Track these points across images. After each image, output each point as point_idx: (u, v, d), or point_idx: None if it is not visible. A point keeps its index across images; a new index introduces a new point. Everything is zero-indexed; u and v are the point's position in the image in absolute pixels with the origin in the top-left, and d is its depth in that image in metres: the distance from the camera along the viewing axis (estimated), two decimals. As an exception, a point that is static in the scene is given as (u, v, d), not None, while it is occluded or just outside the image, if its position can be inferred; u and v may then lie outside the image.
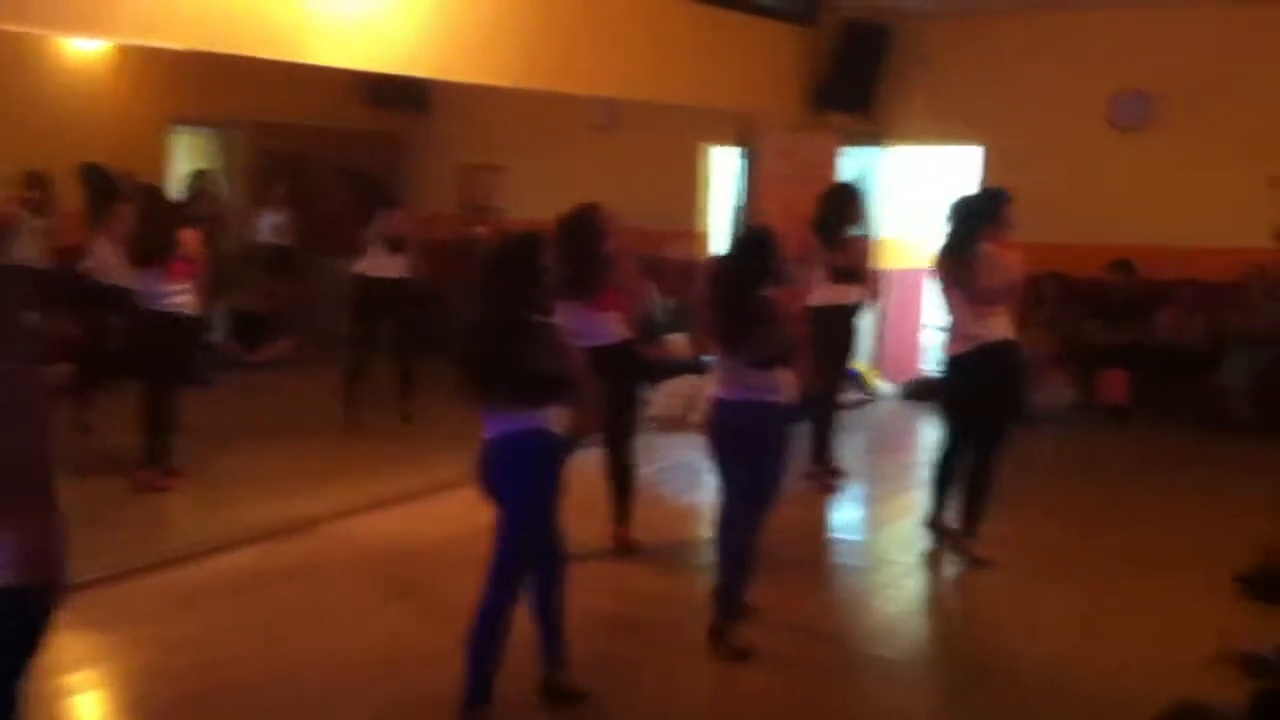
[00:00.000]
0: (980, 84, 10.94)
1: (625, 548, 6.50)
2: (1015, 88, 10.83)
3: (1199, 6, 10.00)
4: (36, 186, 10.11)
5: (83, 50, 10.53)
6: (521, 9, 7.71)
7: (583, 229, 6.07)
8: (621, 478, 6.52)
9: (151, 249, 7.23)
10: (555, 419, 4.42)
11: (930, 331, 11.76)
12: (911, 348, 11.79)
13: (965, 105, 10.98)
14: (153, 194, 7.63)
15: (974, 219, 6.38)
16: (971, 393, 6.47)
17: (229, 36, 6.10)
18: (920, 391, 11.05)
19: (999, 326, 6.32)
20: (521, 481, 4.43)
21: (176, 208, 7.88)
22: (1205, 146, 10.22)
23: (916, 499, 7.34)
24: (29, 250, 10.11)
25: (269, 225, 12.24)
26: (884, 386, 11.38)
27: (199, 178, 11.87)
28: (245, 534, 6.55)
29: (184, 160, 12.13)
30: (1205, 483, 8.55)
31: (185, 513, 7.25)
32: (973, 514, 6.53)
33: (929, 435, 10.32)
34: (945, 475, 6.68)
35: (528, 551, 4.53)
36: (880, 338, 11.60)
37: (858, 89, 10.80)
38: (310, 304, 12.32)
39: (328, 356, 10.05)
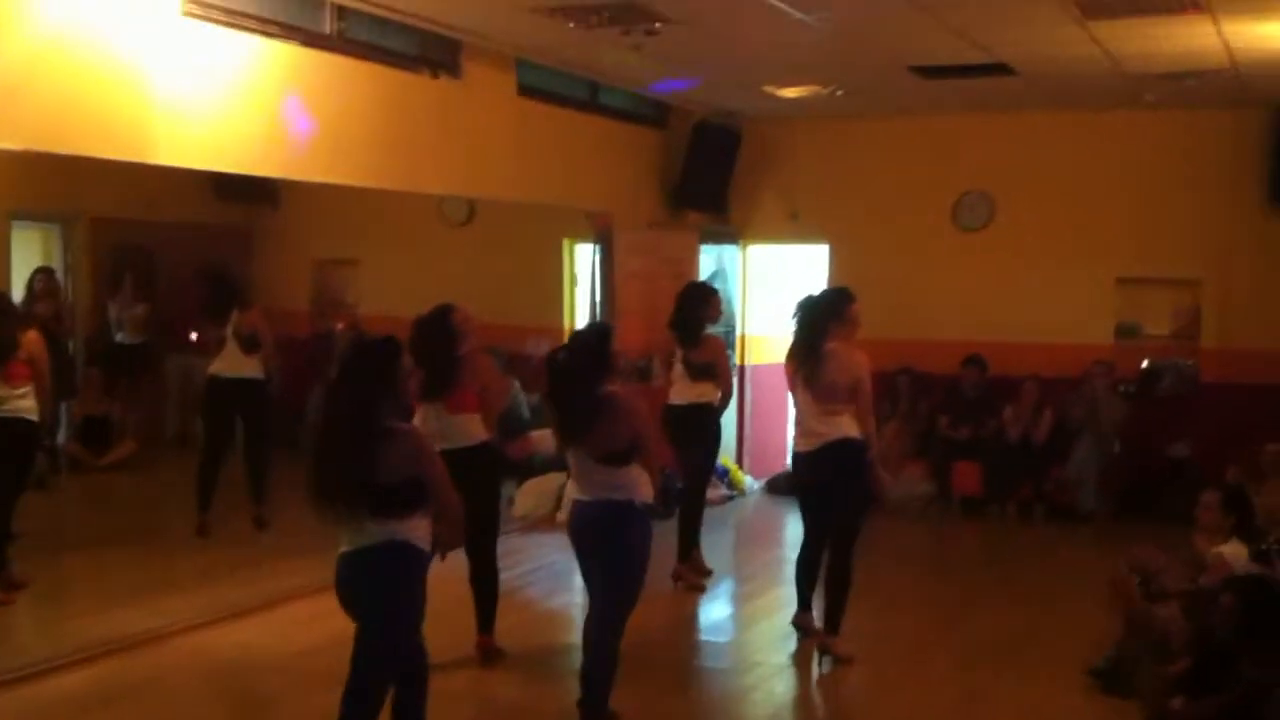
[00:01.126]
0: (827, 184, 11.23)
1: (489, 655, 6.33)
2: (862, 188, 11.15)
3: (1040, 111, 10.43)
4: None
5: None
6: (375, 109, 7.65)
7: (438, 331, 6.00)
8: (483, 582, 6.36)
9: None
10: (415, 530, 4.30)
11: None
12: (776, 442, 11.88)
13: (814, 205, 11.25)
14: None
15: (820, 318, 6.48)
16: (815, 490, 6.57)
17: (71, 137, 5.90)
18: (785, 486, 11.13)
19: (843, 424, 6.38)
20: (381, 597, 4.28)
21: (14, 307, 7.49)
22: (1047, 246, 10.62)
23: (784, 596, 7.32)
24: None
25: (115, 322, 11.84)
26: (749, 482, 11.41)
27: (40, 275, 11.44)
28: (87, 649, 6.22)
29: (24, 256, 11.67)
30: (1055, 572, 8.74)
31: (23, 627, 6.90)
32: (834, 611, 6.52)
33: (795, 530, 10.42)
34: (803, 572, 6.76)
35: (389, 666, 4.37)
36: (743, 433, 11.68)
37: (711, 188, 11.00)
38: (159, 404, 11.92)
39: (177, 458, 9.71)
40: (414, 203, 11.13)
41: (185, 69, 6.35)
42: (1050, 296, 10.60)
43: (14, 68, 5.53)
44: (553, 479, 9.52)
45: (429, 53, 8.07)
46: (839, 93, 9.69)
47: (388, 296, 11.63)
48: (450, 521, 4.44)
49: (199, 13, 6.42)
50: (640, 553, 5.20)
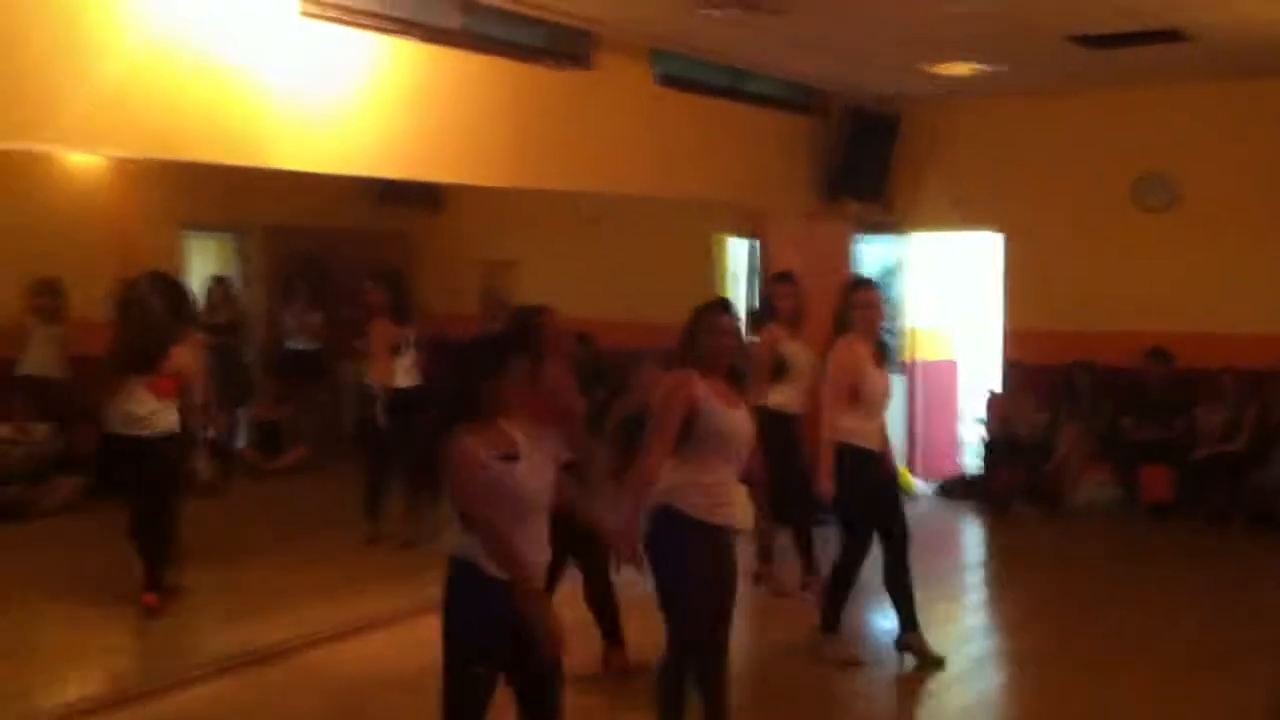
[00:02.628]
0: (993, 167, 10.63)
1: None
2: (1030, 170, 10.51)
3: (1218, 81, 9.61)
4: (47, 294, 10.12)
5: (89, 159, 10.52)
6: (502, 105, 7.52)
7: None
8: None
9: (132, 362, 7.00)
10: None
11: (968, 424, 11.34)
12: (946, 442, 11.33)
13: (980, 190, 10.65)
14: (136, 302, 7.20)
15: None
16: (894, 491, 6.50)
17: (184, 142, 5.93)
18: (962, 490, 10.59)
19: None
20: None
21: (166, 320, 7.30)
22: (1239, 225, 9.79)
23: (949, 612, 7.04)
24: (41, 357, 10.09)
25: (289, 329, 12.12)
26: (919, 485, 10.87)
27: (217, 284, 11.82)
28: (217, 662, 6.28)
29: (200, 265, 12.08)
30: (1258, 584, 8.08)
31: (162, 637, 6.94)
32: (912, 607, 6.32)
33: (968, 537, 9.91)
34: (901, 588, 6.40)
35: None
36: (914, 433, 11.15)
37: (868, 176, 10.52)
38: (333, 409, 12.12)
39: (350, 464, 9.80)
40: (563, 201, 11.03)
41: (302, 70, 6.34)
42: (1244, 281, 9.74)
43: (128, 72, 5.57)
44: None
45: (558, 45, 7.90)
46: (999, 69, 9.12)
47: (546, 297, 11.52)
48: None
49: (317, 12, 6.37)
50: (667, 566, 4.68)
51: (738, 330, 4.86)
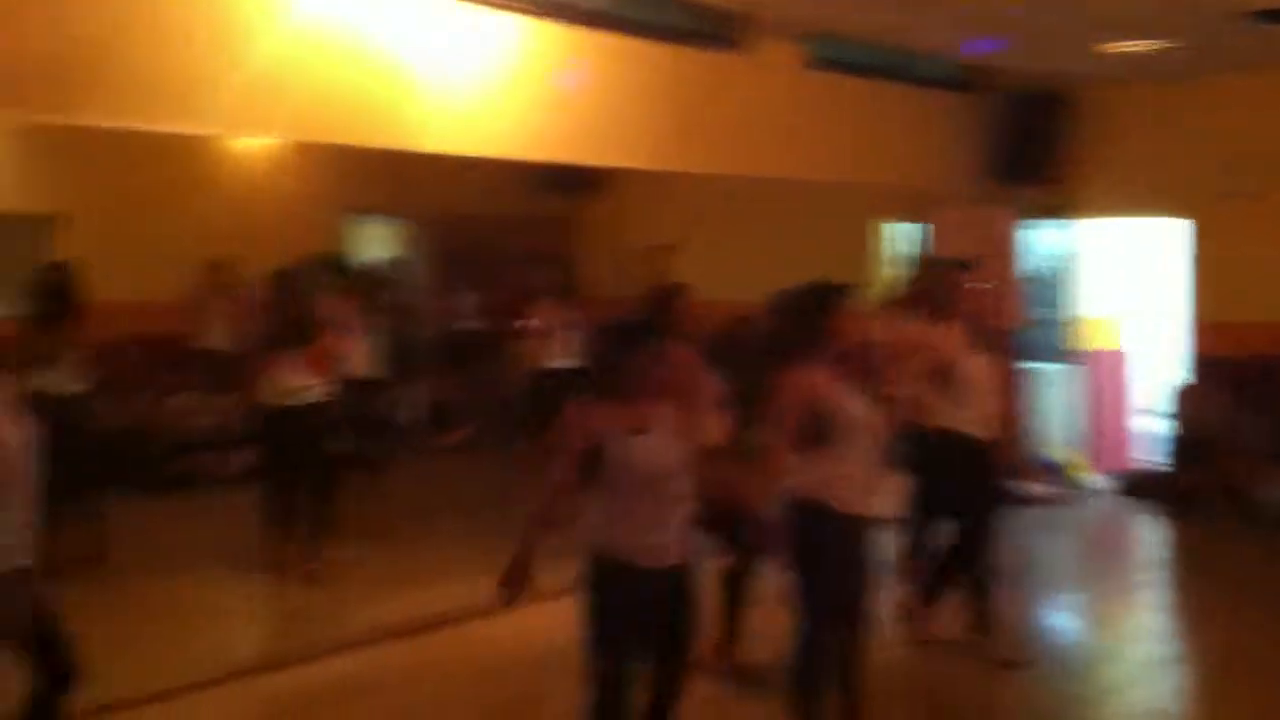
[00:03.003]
0: (1182, 152, 10.04)
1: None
2: (1211, 154, 9.87)
3: None
4: (221, 271, 10.55)
5: (260, 144, 10.91)
6: (650, 88, 7.48)
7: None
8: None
9: (283, 336, 7.26)
10: None
11: (1145, 417, 10.84)
12: (1117, 436, 10.86)
13: (1167, 175, 10.11)
14: (289, 279, 7.56)
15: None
16: None
17: (335, 126, 6.09)
18: (1141, 486, 10.14)
19: None
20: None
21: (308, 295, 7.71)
22: None
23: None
24: (217, 332, 10.53)
25: (455, 311, 12.40)
26: (1093, 480, 10.45)
27: (387, 266, 12.15)
28: (369, 633, 6.45)
29: (368, 249, 12.41)
30: None
31: (318, 607, 7.17)
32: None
33: (1152, 535, 9.47)
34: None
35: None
36: (1090, 427, 10.70)
37: (1035, 160, 10.12)
38: (500, 389, 12.29)
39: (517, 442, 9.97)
40: (721, 185, 10.95)
41: (451, 54, 6.43)
42: None
43: (279, 58, 5.75)
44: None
45: (708, 27, 7.83)
46: (1174, 46, 8.66)
47: (703, 281, 11.49)
48: None
49: (467, -6, 6.47)
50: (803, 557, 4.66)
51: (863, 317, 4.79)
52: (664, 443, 4.02)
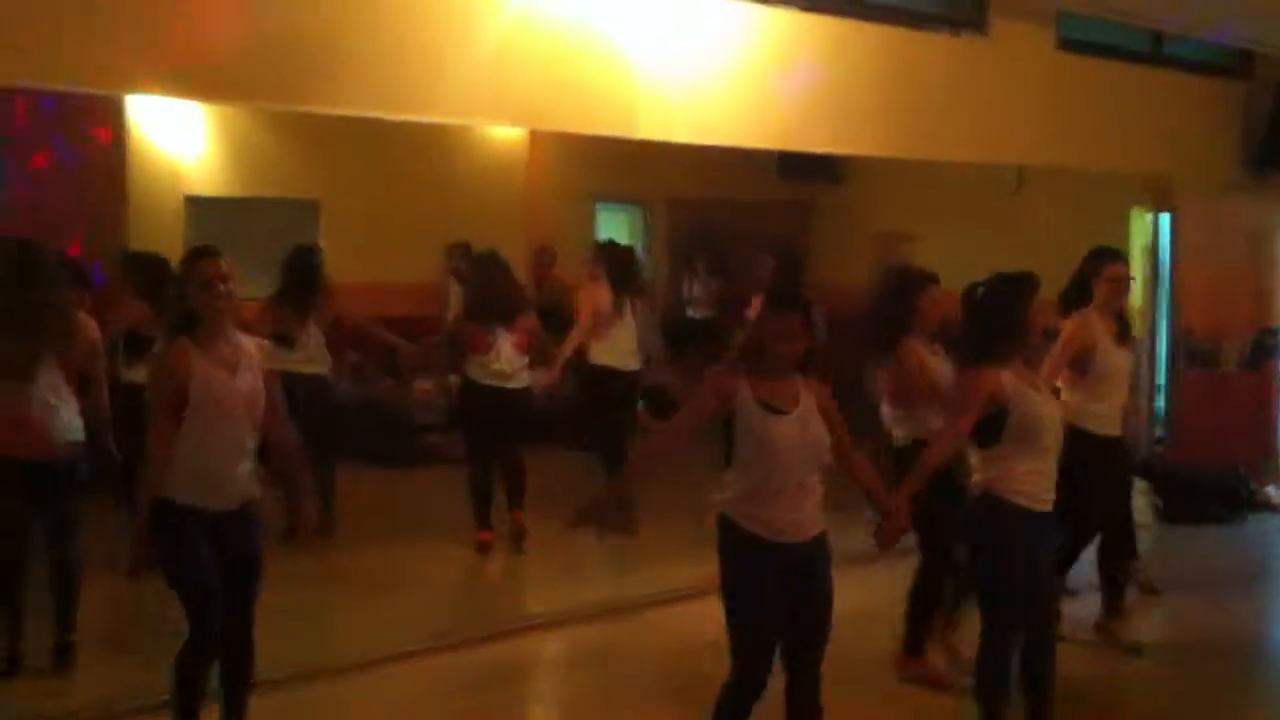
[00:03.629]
0: None
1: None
2: None
3: None
4: (461, 257, 10.85)
5: (507, 133, 11.19)
6: (886, 73, 7.28)
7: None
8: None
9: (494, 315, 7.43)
10: None
11: None
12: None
13: None
14: (489, 261, 7.75)
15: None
16: None
17: (555, 114, 6.18)
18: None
19: None
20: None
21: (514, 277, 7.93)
22: None
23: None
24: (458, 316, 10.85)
25: (688, 298, 12.41)
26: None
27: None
28: (573, 612, 6.56)
29: (608, 234, 12.55)
30: None
31: (528, 580, 7.40)
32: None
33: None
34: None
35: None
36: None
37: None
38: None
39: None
40: (967, 173, 10.58)
41: (672, 40, 6.42)
42: None
43: (500, 46, 5.86)
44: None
45: (951, 10, 7.57)
46: None
47: (945, 270, 11.16)
48: None
49: (688, -20, 6.44)
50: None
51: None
52: (801, 425, 4.10)
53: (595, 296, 8.22)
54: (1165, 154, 8.96)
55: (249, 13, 5.19)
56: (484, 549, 7.56)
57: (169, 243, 8.11)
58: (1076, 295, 6.12)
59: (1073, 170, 9.05)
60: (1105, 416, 5.88)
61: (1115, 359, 5.93)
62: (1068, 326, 5.95)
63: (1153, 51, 8.74)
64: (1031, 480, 4.46)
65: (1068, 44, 8.15)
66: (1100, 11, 8.04)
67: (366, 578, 7.02)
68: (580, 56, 6.11)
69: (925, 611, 5.57)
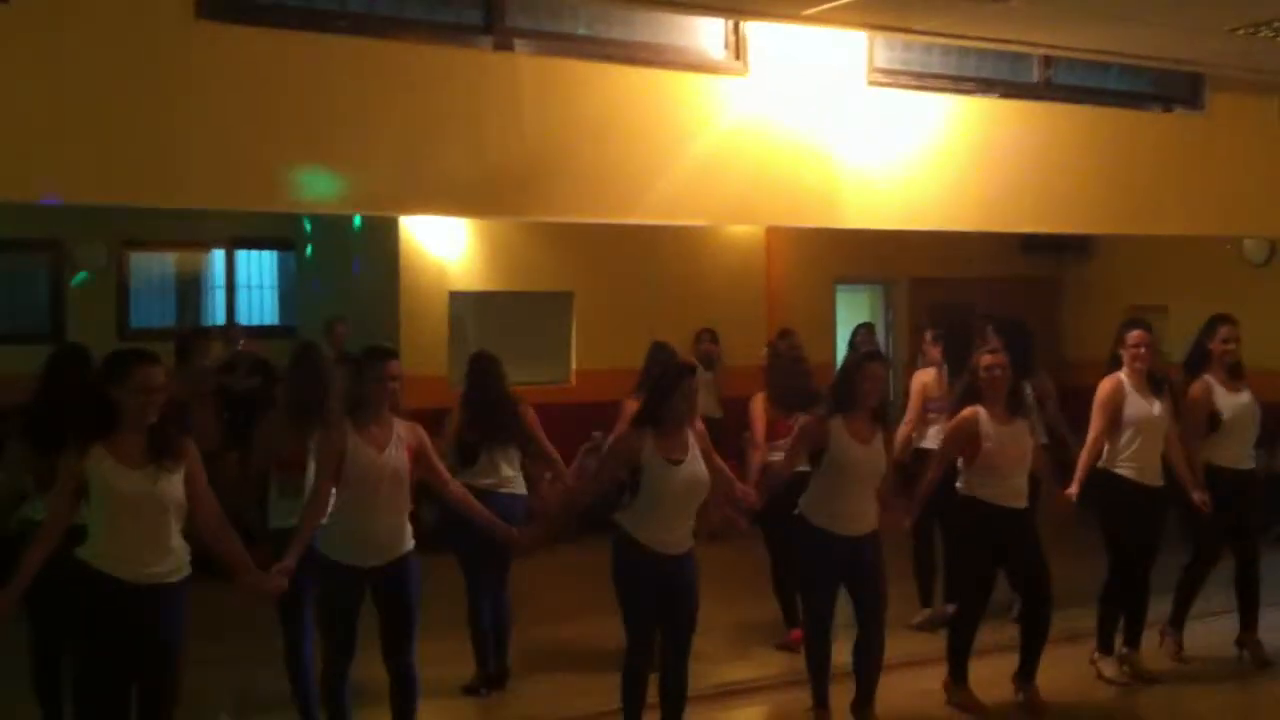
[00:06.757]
0: None
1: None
2: None
3: None
4: (708, 341, 11.34)
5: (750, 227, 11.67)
6: (1092, 152, 7.43)
7: None
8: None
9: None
10: None
11: None
12: None
13: None
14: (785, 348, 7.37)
15: None
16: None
17: (763, 210, 6.63)
18: None
19: None
20: None
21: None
22: None
23: None
24: (704, 399, 11.32)
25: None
26: None
27: (861, 329, 12.50)
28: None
29: (848, 316, 12.85)
30: None
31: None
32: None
33: None
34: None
35: None
36: None
37: None
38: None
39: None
40: (1218, 247, 10.43)
41: (871, 135, 6.80)
42: None
43: (713, 151, 6.39)
44: None
45: (1162, 89, 7.65)
46: None
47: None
48: None
49: (885, 80, 6.84)
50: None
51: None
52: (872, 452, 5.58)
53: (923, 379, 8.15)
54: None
55: (475, 140, 5.90)
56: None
57: (435, 334, 8.98)
58: (1197, 360, 6.61)
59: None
60: (1145, 470, 6.43)
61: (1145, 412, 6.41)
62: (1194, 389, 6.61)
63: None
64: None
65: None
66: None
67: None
68: (785, 155, 6.55)
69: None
